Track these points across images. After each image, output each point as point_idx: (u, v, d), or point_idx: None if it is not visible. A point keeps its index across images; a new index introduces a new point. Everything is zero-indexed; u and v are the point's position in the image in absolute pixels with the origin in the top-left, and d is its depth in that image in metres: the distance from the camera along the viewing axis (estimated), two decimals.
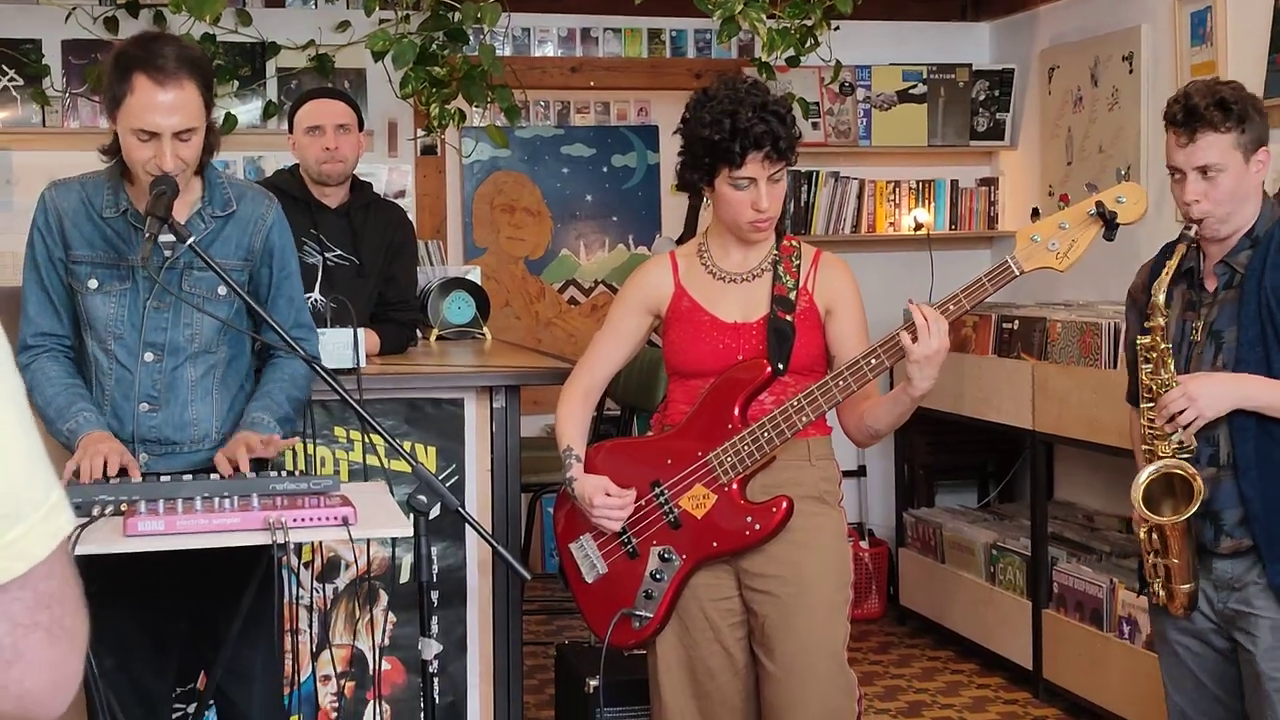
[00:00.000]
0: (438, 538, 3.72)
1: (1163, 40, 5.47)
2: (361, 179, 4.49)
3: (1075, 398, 4.90)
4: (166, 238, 2.99)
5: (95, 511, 2.75)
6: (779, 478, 3.14)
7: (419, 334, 4.85)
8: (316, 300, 4.14)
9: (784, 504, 3.09)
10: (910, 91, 6.51)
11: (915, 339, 2.96)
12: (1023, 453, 6.05)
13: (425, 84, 5.59)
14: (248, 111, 6.04)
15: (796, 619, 3.12)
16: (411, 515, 2.83)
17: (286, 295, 3.27)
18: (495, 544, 2.91)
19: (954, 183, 6.63)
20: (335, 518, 2.69)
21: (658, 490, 3.17)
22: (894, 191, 6.54)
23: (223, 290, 3.13)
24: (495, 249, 7.62)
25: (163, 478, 2.92)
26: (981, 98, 6.55)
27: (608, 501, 3.16)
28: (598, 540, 3.23)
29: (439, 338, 4.84)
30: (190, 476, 2.97)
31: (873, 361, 3.02)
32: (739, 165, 3.06)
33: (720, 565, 3.18)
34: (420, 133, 6.07)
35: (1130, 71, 5.66)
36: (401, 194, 6.27)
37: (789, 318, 3.14)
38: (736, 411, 3.10)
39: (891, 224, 6.56)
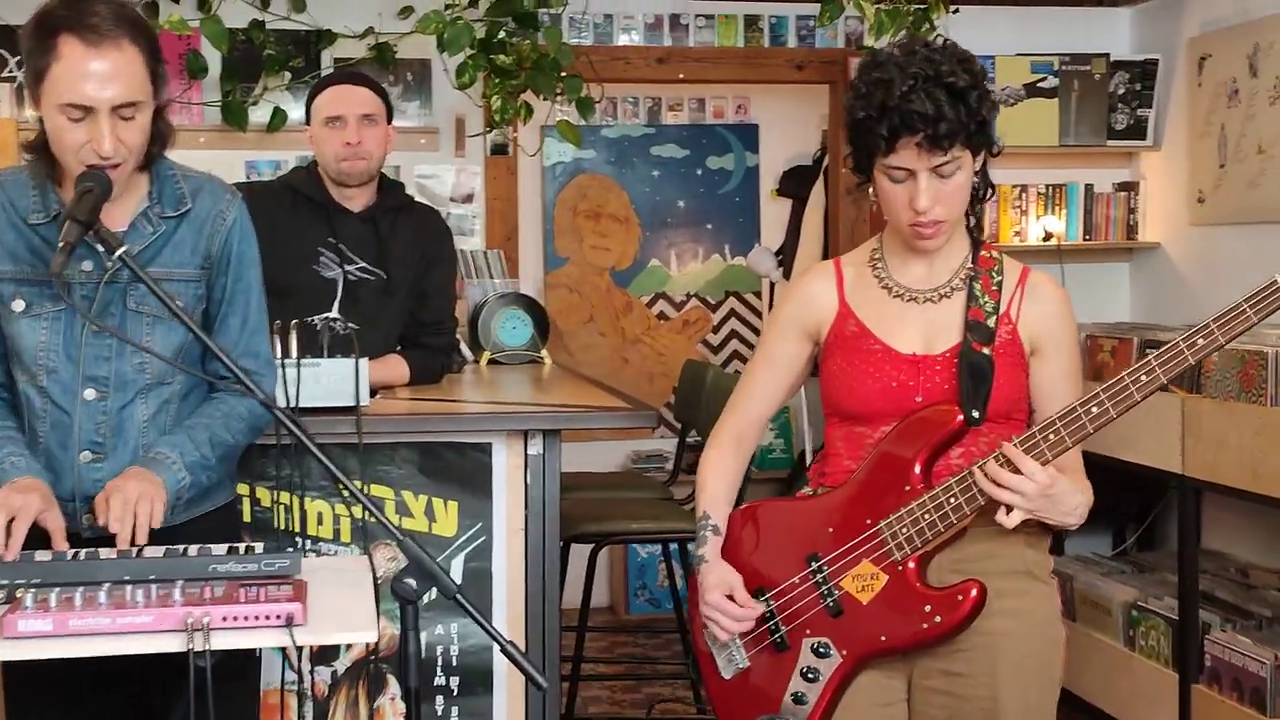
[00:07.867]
0: (456, 612, 3.09)
1: None
2: (392, 179, 3.93)
3: (1234, 439, 4.22)
4: (97, 247, 2.41)
5: None
6: (970, 550, 2.49)
7: (470, 358, 4.26)
8: (335, 321, 3.54)
9: (973, 591, 2.43)
10: (1039, 85, 5.98)
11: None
12: (1164, 497, 5.40)
13: (487, 73, 5.09)
14: (301, 107, 5.53)
15: None
16: (397, 605, 2.21)
17: (239, 315, 2.68)
18: (505, 643, 2.26)
19: (1088, 187, 6.10)
20: (277, 616, 2.06)
21: (815, 566, 2.54)
22: (1020, 197, 6.03)
23: (180, 303, 2.54)
24: (578, 259, 7.21)
25: (82, 554, 2.32)
26: (1121, 92, 6.00)
27: (725, 606, 2.58)
28: None
29: (491, 362, 4.24)
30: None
31: (1094, 410, 2.37)
32: (889, 151, 2.45)
33: (890, 664, 2.54)
34: (489, 129, 5.53)
35: None
36: (469, 198, 5.72)
37: (987, 350, 2.50)
38: (918, 470, 2.46)
39: (1018, 233, 6.05)
